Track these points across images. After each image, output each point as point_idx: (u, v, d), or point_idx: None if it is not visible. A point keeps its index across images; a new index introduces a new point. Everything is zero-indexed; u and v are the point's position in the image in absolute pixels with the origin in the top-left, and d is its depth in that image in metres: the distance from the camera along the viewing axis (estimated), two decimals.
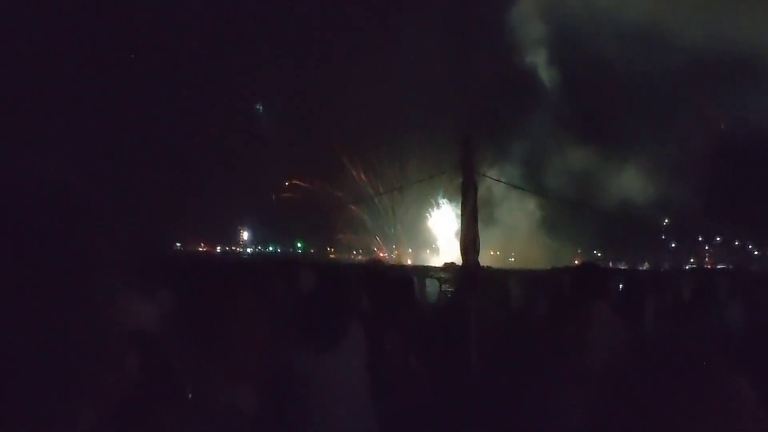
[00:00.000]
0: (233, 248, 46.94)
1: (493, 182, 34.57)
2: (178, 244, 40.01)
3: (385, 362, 4.91)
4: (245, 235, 48.43)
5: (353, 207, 45.61)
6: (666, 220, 47.89)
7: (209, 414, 2.61)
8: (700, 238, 48.34)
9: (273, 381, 3.54)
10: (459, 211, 7.18)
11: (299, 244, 47.41)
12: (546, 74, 47.17)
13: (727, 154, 40.34)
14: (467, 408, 5.24)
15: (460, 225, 6.74)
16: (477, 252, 6.54)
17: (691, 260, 46.44)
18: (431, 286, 9.47)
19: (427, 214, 46.72)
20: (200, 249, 43.94)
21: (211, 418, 2.60)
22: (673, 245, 48.54)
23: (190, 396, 2.60)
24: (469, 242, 6.47)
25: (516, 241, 42.53)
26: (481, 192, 7.13)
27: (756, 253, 46.13)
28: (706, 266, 42.11)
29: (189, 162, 41.86)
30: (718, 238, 47.64)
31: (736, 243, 47.11)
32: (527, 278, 8.31)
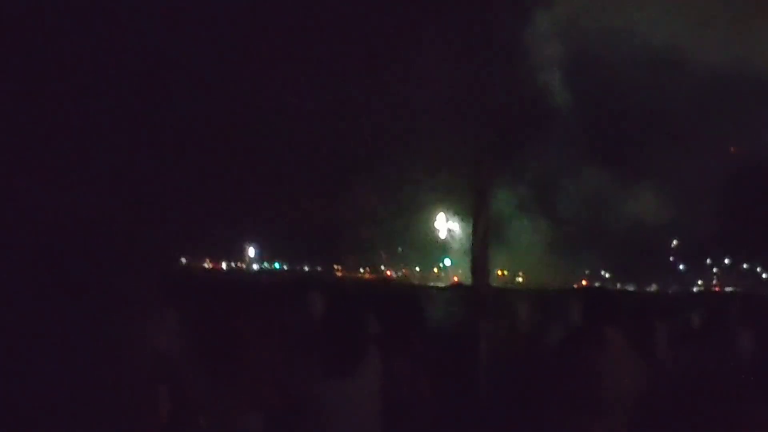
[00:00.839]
0: (239, 265, 46.90)
1: (501, 200, 34.64)
2: (183, 260, 39.98)
3: (395, 387, 4.87)
4: (251, 251, 48.33)
5: (361, 225, 45.66)
6: (674, 242, 47.80)
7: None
8: (708, 261, 48.20)
9: (284, 406, 3.51)
10: (468, 231, 7.16)
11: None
12: (559, 95, 47.23)
13: (738, 178, 40.33)
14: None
15: (470, 246, 6.72)
16: (488, 275, 6.52)
17: (699, 282, 46.28)
18: (440, 308, 9.41)
19: (436, 233, 46.72)
20: (205, 265, 43.92)
21: None
22: (681, 267, 48.40)
23: (202, 421, 2.57)
24: (480, 265, 6.45)
25: (523, 261, 42.50)
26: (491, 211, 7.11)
27: (764, 276, 45.96)
28: (714, 289, 41.99)
29: (195, 174, 41.80)
30: (726, 261, 47.49)
31: (745, 266, 46.92)
32: (536, 301, 8.26)
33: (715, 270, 47.72)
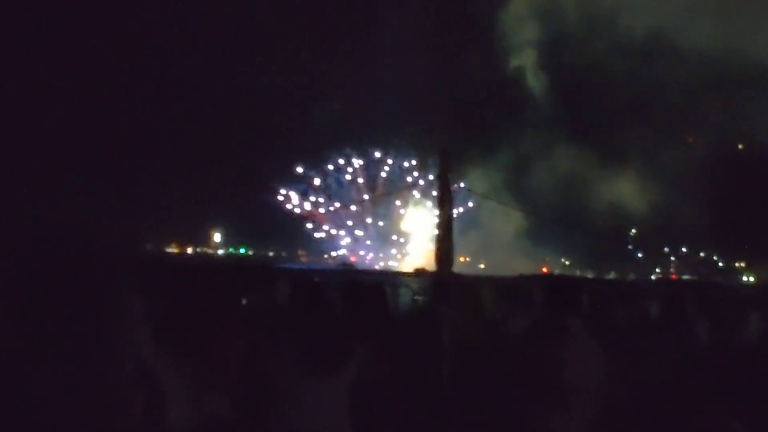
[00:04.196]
0: (205, 250, 46.60)
1: (467, 186, 34.81)
2: (149, 245, 39.58)
3: (359, 374, 4.90)
4: (217, 236, 48.05)
5: (324, 212, 45.56)
6: (633, 230, 48.32)
7: (186, 423, 2.61)
8: (666, 249, 48.80)
9: (251, 394, 3.54)
10: (432, 216, 7.23)
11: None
12: (532, 79, 47.29)
13: (696, 168, 40.83)
14: (439, 422, 5.25)
15: (435, 235, 6.78)
16: (451, 263, 6.59)
17: (657, 270, 46.87)
18: (403, 295, 9.48)
19: (400, 218, 46.79)
20: (171, 250, 43.52)
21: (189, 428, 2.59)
22: (639, 255, 48.96)
23: (167, 405, 2.59)
24: (444, 253, 6.51)
25: (486, 248, 42.71)
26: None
27: (720, 265, 46.67)
28: (671, 277, 42.57)
29: (160, 159, 41.41)
30: (683, 249, 48.14)
31: (702, 254, 47.61)
32: (500, 288, 8.34)
33: (672, 258, 48.37)
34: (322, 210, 45.43)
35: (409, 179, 45.34)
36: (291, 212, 45.06)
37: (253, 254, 46.55)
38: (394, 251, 46.93)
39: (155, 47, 39.94)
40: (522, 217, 41.61)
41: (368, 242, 46.54)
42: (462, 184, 34.01)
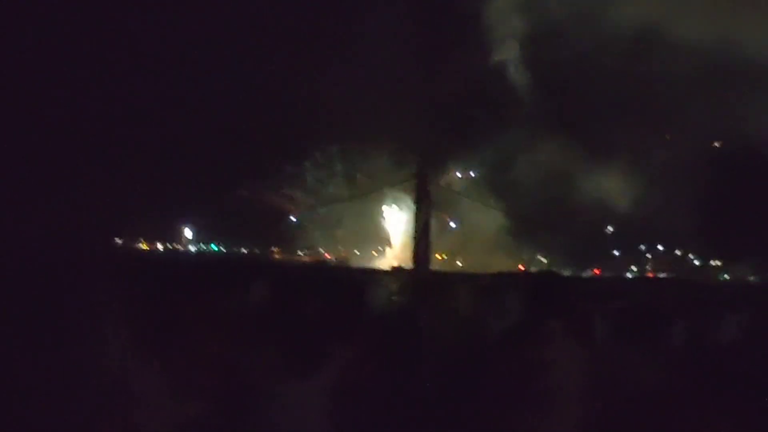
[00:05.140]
0: (176, 246, 46.20)
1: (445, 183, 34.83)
2: (119, 240, 39.23)
3: (336, 373, 4.82)
4: (188, 232, 47.62)
5: (300, 208, 45.41)
6: (610, 228, 48.50)
7: (159, 420, 2.51)
8: (642, 247, 49.03)
9: (225, 391, 3.45)
10: (410, 214, 7.13)
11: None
12: (513, 76, 47.19)
13: (674, 165, 41.03)
14: (417, 421, 5.19)
15: (413, 234, 6.69)
16: (429, 262, 6.51)
17: (633, 268, 47.07)
18: (380, 294, 9.37)
19: (378, 215, 46.68)
20: (141, 246, 43.14)
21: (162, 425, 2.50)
22: (616, 253, 49.16)
23: (138, 401, 2.49)
24: (422, 252, 6.43)
25: (464, 245, 42.71)
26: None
27: (697, 263, 46.94)
28: (648, 275, 42.74)
29: (130, 152, 40.89)
30: (660, 247, 48.38)
31: (678, 252, 47.87)
32: (477, 286, 8.26)
33: (649, 256, 48.53)
34: (298, 206, 45.25)
35: (388, 176, 45.22)
36: (266, 208, 44.81)
37: (226, 251, 46.22)
38: (371, 249, 46.80)
39: (123, 39, 39.51)
40: (502, 214, 41.61)
41: (345, 240, 46.38)
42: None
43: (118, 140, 41.01)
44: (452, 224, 39.54)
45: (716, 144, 44.62)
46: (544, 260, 46.82)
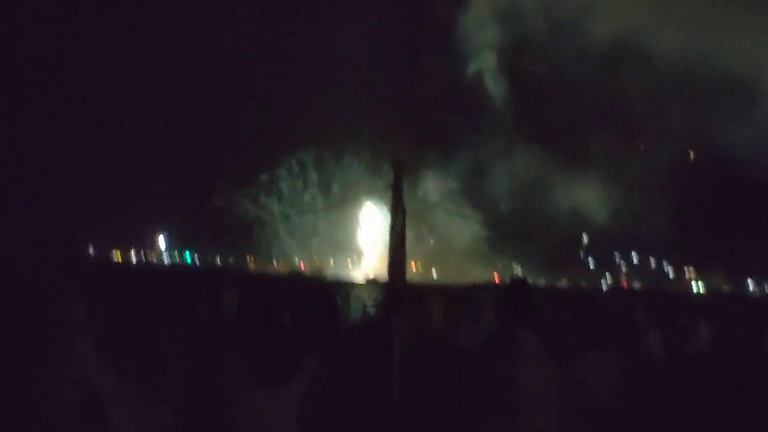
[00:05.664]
0: (149, 256, 45.84)
1: (421, 197, 34.84)
2: (91, 249, 38.92)
3: (308, 386, 4.77)
4: (161, 240, 47.26)
5: (275, 217, 45.26)
6: (584, 238, 48.71)
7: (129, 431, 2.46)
8: (617, 257, 49.26)
9: (195, 403, 3.39)
10: (386, 223, 7.13)
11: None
12: (491, 86, 47.27)
13: (648, 175, 41.35)
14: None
15: (388, 244, 6.68)
16: (404, 272, 6.50)
17: (607, 277, 47.30)
18: (354, 305, 9.34)
19: (353, 225, 46.64)
20: (114, 255, 42.75)
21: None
22: (590, 263, 49.35)
23: (110, 415, 2.44)
24: (396, 264, 6.41)
25: (440, 255, 42.77)
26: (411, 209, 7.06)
27: (670, 272, 47.22)
28: (622, 285, 43.00)
29: (104, 161, 40.57)
30: (634, 257, 48.64)
31: (652, 261, 48.14)
32: (452, 297, 8.25)
33: (623, 267, 48.78)
34: (273, 215, 45.11)
35: (364, 185, 45.21)
36: (240, 217, 44.62)
37: (200, 260, 45.94)
38: (346, 259, 46.73)
39: (91, 51, 39.23)
40: (478, 224, 41.74)
41: (320, 249, 46.27)
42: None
43: (92, 150, 40.74)
44: (428, 234, 39.63)
45: (690, 154, 45.04)
46: (519, 269, 46.99)
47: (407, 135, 39.48)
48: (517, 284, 5.65)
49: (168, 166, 41.92)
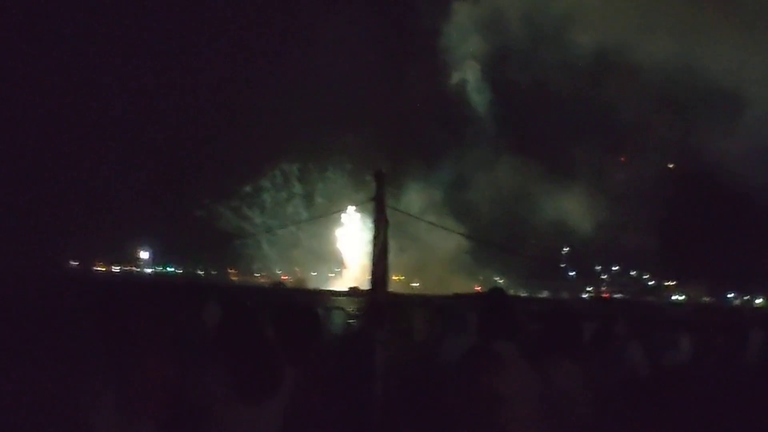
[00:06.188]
0: (131, 268, 45.72)
1: (404, 208, 34.80)
2: (74, 262, 38.74)
3: (290, 398, 4.75)
4: (144, 254, 47.10)
5: (257, 229, 45.21)
6: (565, 249, 48.96)
7: None
8: (597, 267, 49.56)
9: (176, 415, 3.38)
10: (368, 235, 7.13)
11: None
12: (474, 96, 47.41)
13: (629, 188, 41.64)
14: None
15: (371, 255, 6.65)
16: (386, 284, 6.48)
17: (589, 289, 47.55)
18: (336, 316, 9.32)
19: (335, 237, 46.66)
20: (97, 268, 42.59)
21: None
22: (571, 273, 49.63)
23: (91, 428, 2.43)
24: (379, 276, 6.39)
25: (422, 266, 42.83)
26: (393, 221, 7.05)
27: (651, 283, 47.53)
28: (603, 295, 43.22)
29: (87, 174, 40.48)
30: (615, 268, 48.92)
31: (632, 273, 48.44)
32: (435, 309, 8.25)
33: (604, 277, 49.01)
34: (255, 226, 45.08)
35: (347, 197, 45.24)
36: (222, 229, 44.56)
37: (182, 273, 45.82)
38: (328, 270, 46.72)
39: (73, 59, 39.05)
40: (460, 235, 41.83)
41: (302, 261, 46.25)
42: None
43: (75, 162, 40.55)
44: (410, 245, 39.66)
45: (670, 166, 45.39)
46: (501, 281, 47.10)
47: (390, 146, 39.58)
48: (496, 294, 5.64)
49: (150, 178, 41.84)
